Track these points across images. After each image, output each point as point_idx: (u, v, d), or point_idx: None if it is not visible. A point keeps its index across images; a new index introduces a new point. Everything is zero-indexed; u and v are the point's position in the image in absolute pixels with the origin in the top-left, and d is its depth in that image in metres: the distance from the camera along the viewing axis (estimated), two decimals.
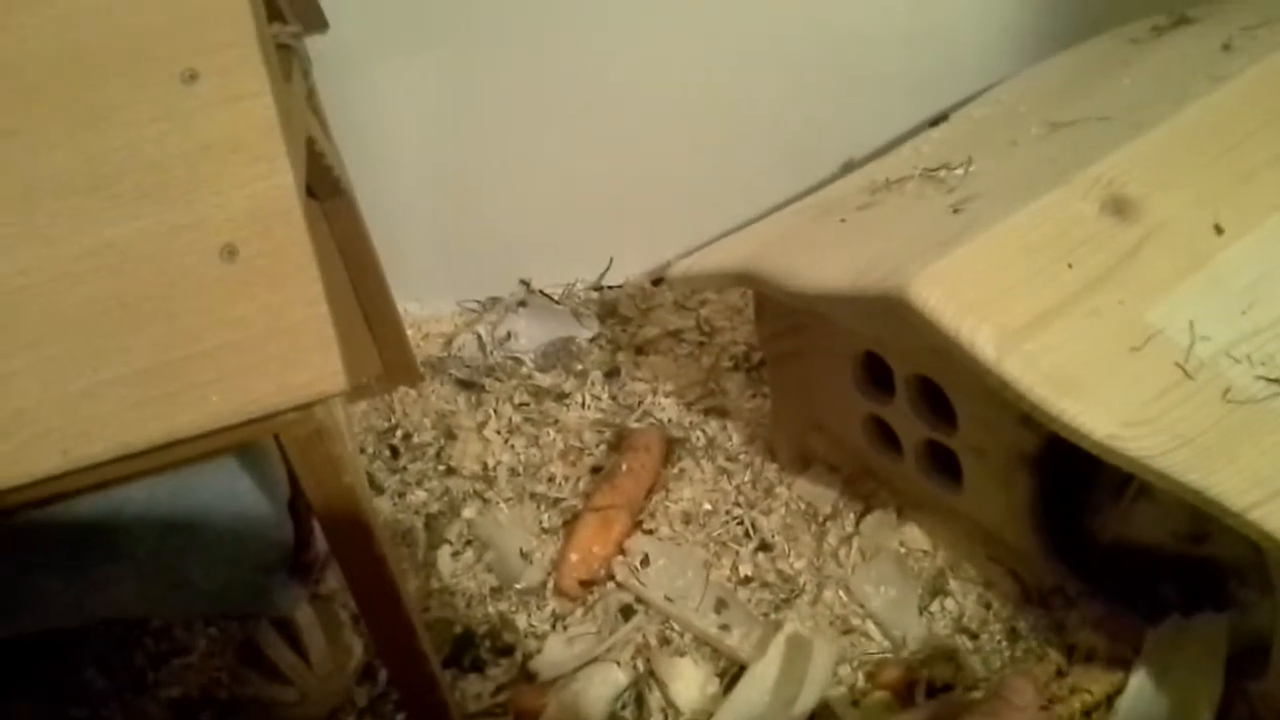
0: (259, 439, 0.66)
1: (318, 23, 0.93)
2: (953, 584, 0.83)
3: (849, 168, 1.09)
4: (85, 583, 0.71)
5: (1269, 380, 0.62)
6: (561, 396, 1.06)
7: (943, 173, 0.80)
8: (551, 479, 0.98)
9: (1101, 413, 0.60)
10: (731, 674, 0.81)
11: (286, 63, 0.81)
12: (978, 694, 0.74)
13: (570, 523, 0.93)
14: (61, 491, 0.58)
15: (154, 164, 0.60)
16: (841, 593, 0.85)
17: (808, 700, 0.77)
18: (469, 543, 0.94)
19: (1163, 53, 0.90)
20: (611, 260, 1.18)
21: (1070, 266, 0.66)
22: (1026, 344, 0.62)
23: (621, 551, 0.90)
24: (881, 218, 0.79)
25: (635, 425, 1.02)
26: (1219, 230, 0.69)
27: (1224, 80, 0.77)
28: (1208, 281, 0.66)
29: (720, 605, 0.85)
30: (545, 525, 0.94)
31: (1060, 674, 0.70)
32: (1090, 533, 0.76)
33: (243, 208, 0.58)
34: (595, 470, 0.98)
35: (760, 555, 0.88)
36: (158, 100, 0.61)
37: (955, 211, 0.73)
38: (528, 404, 1.06)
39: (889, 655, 0.80)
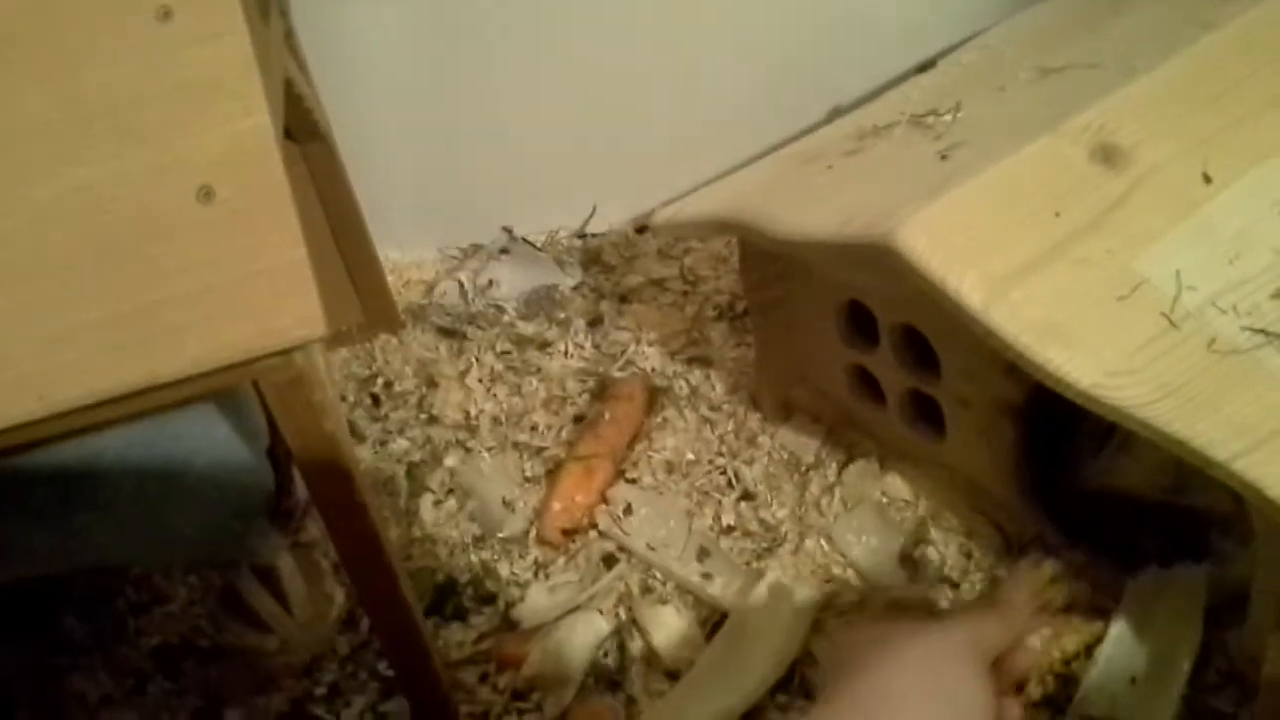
0: (238, 385, 0.65)
1: None
2: (934, 533, 0.83)
3: (836, 114, 1.08)
4: (64, 531, 0.71)
5: (1254, 331, 0.62)
6: (544, 345, 1.06)
7: (930, 119, 0.80)
8: (534, 428, 0.98)
9: (1086, 362, 0.60)
10: (713, 622, 0.81)
11: (264, 2, 0.79)
12: None
13: (553, 472, 0.93)
14: (38, 438, 0.57)
15: (128, 105, 0.58)
16: (823, 542, 0.85)
17: (789, 648, 0.77)
18: (451, 491, 0.94)
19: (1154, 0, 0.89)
20: (595, 208, 1.17)
21: (1058, 214, 0.66)
22: (1013, 292, 0.62)
23: (604, 500, 0.90)
24: (868, 164, 0.78)
25: (618, 374, 1.01)
26: (1207, 179, 0.68)
27: (1214, 27, 0.76)
28: (1195, 230, 0.66)
29: (702, 554, 0.85)
30: (528, 474, 0.94)
31: (1054, 580, 0.70)
32: (1072, 482, 0.76)
33: (219, 149, 0.57)
34: (578, 419, 0.98)
35: (743, 504, 0.88)
36: (131, 39, 0.59)
37: (943, 158, 0.72)
38: (510, 352, 1.05)
39: (869, 603, 0.81)
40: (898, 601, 0.80)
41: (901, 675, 0.56)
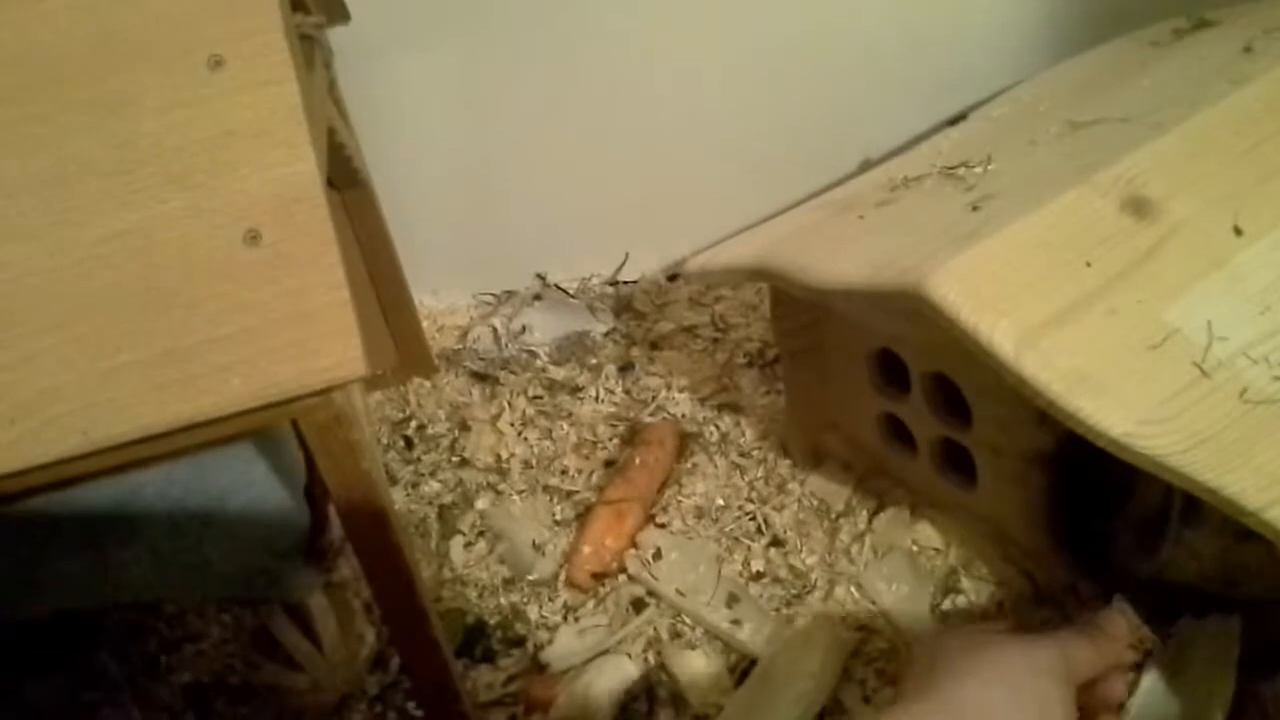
0: (277, 424, 0.66)
1: (340, 14, 0.93)
2: (965, 582, 0.83)
3: (867, 167, 1.09)
4: (101, 565, 0.72)
5: None
6: (575, 390, 1.07)
7: (961, 170, 0.80)
8: (564, 472, 0.99)
9: (1118, 410, 0.60)
10: (742, 668, 0.81)
11: (309, 53, 0.82)
12: None
13: (583, 515, 0.93)
14: (81, 473, 0.58)
15: (179, 149, 0.60)
16: (853, 589, 0.85)
17: (818, 696, 0.77)
18: (481, 534, 0.95)
19: (1183, 55, 0.90)
20: (627, 256, 1.19)
21: (1089, 265, 0.66)
22: (1044, 341, 0.62)
23: (634, 545, 0.90)
24: (900, 214, 0.79)
25: (649, 419, 1.02)
26: (1238, 231, 0.68)
27: (1244, 82, 0.77)
28: (1226, 282, 0.66)
29: (732, 600, 0.85)
30: (558, 517, 0.95)
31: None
32: (1119, 562, 0.75)
33: (266, 193, 0.59)
34: (608, 464, 0.99)
35: (772, 551, 0.89)
36: (183, 86, 0.61)
37: (974, 209, 0.73)
38: (541, 397, 1.06)
39: (900, 652, 0.80)
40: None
41: (991, 685, 0.58)
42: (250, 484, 0.72)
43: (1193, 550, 0.70)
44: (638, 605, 0.86)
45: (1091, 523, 0.76)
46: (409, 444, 1.04)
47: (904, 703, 0.59)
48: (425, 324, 1.13)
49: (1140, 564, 0.74)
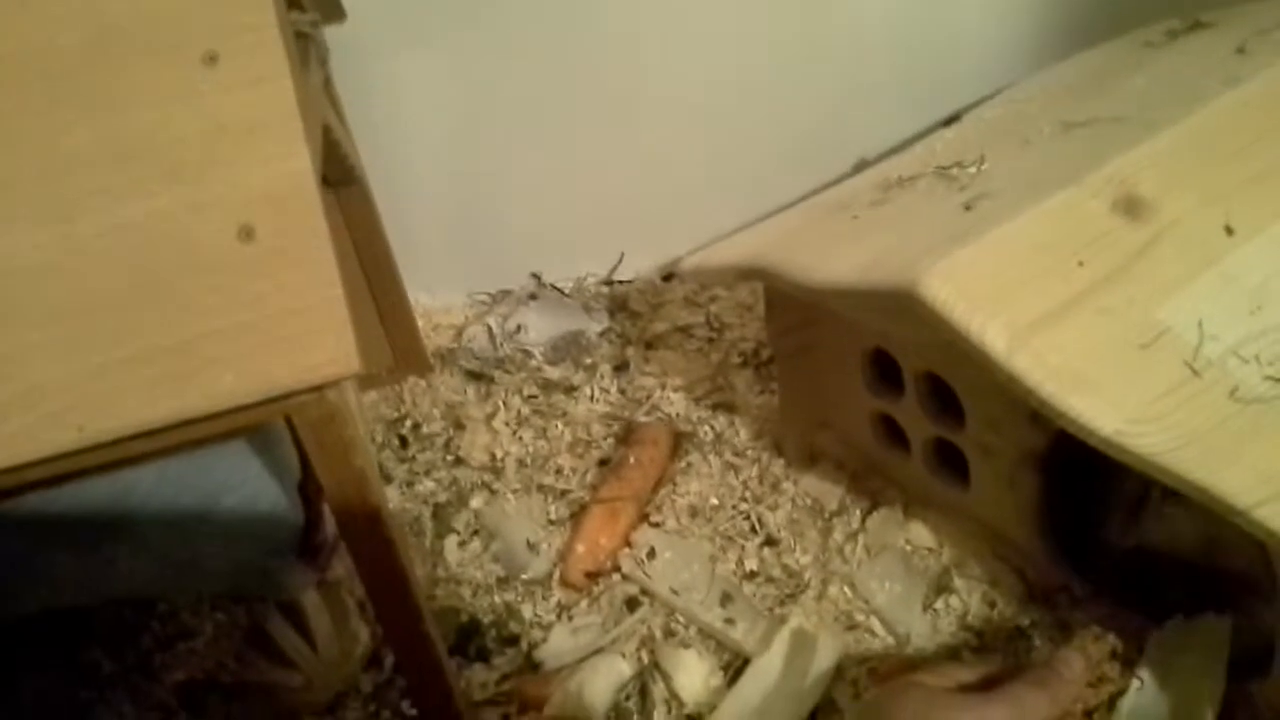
0: (271, 421, 0.66)
1: (335, 12, 0.93)
2: (958, 582, 0.83)
3: (861, 167, 1.10)
4: (95, 562, 0.72)
5: (1276, 380, 0.62)
6: (570, 389, 1.07)
7: (955, 171, 0.81)
8: (559, 471, 0.99)
9: (1109, 409, 0.60)
10: (735, 667, 0.81)
11: (304, 51, 0.82)
12: None
13: (577, 514, 0.94)
14: (75, 469, 0.58)
15: (173, 144, 0.60)
16: (846, 589, 0.85)
17: (811, 695, 0.77)
18: (476, 533, 0.95)
19: (1177, 56, 0.90)
20: (622, 255, 1.19)
21: (1081, 264, 0.66)
22: (1036, 340, 0.62)
23: (628, 544, 0.90)
24: (893, 214, 0.79)
25: (643, 419, 1.02)
26: (1230, 231, 0.69)
27: (1237, 83, 0.78)
28: (1218, 281, 0.66)
29: (725, 599, 0.85)
30: (552, 516, 0.95)
31: (1114, 655, 0.70)
32: (1100, 538, 0.76)
33: (260, 189, 0.59)
34: (603, 463, 0.99)
35: (766, 550, 0.89)
36: (178, 81, 0.61)
37: (967, 209, 0.73)
38: (536, 396, 1.07)
39: (892, 651, 0.80)
40: (925, 662, 0.79)
41: None
42: (244, 481, 0.72)
43: (1172, 522, 0.70)
44: (631, 604, 0.87)
45: (1080, 512, 0.76)
46: (404, 442, 1.04)
47: None
48: (420, 322, 1.13)
49: (1122, 536, 0.74)
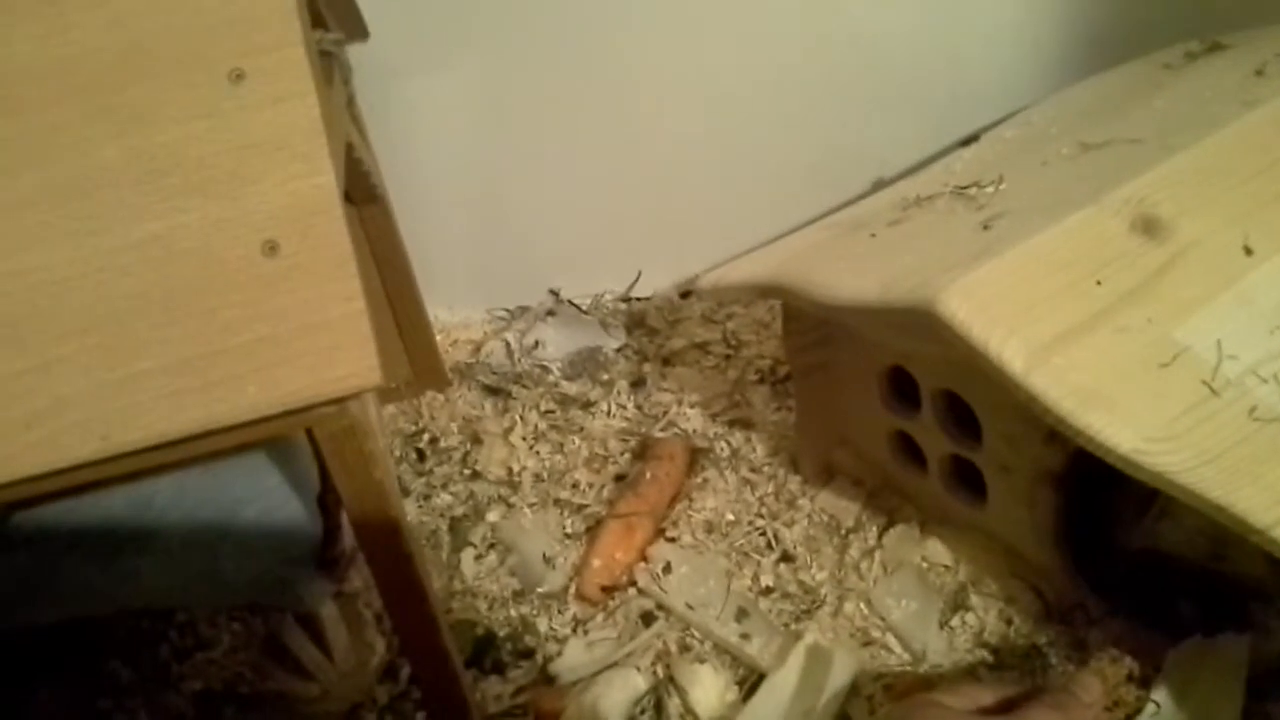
0: (293, 433, 0.67)
1: (359, 32, 0.95)
2: (974, 599, 0.83)
3: (879, 186, 1.10)
4: (115, 572, 0.72)
5: None
6: (587, 405, 1.07)
7: (973, 190, 0.81)
8: (575, 485, 0.99)
9: (1127, 428, 0.60)
10: (751, 683, 0.81)
11: (328, 69, 0.83)
12: None
13: (593, 529, 0.94)
14: (98, 479, 0.59)
15: (199, 161, 0.61)
16: (862, 605, 0.85)
17: (826, 711, 0.77)
18: (492, 546, 0.95)
19: (1195, 78, 0.90)
20: (640, 273, 1.19)
21: (1099, 283, 0.66)
22: (1054, 358, 0.63)
23: (644, 558, 0.90)
24: (911, 233, 0.80)
25: (660, 434, 1.02)
26: (1248, 251, 0.69)
27: (1256, 105, 0.78)
28: (1236, 301, 0.66)
29: (741, 614, 0.85)
30: (568, 531, 0.95)
31: (1131, 678, 0.69)
32: (1113, 545, 0.76)
33: (284, 205, 0.60)
34: (619, 478, 0.99)
35: (782, 566, 0.89)
36: (204, 99, 0.62)
37: (985, 228, 0.73)
38: (553, 411, 1.07)
39: (908, 668, 0.80)
40: (942, 680, 0.79)
41: None
42: (264, 493, 0.73)
43: (1179, 521, 0.70)
44: (647, 619, 0.87)
45: (1095, 526, 0.76)
46: (421, 456, 1.05)
47: None
48: (439, 338, 1.14)
49: (1132, 538, 0.74)
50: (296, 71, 0.63)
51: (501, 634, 0.87)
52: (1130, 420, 0.61)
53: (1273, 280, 0.68)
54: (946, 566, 0.86)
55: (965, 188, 0.82)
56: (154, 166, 0.61)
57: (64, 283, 0.59)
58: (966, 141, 1.01)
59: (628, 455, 1.01)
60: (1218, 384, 0.63)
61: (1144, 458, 0.59)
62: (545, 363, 1.13)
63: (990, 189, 0.81)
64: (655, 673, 0.83)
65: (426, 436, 1.07)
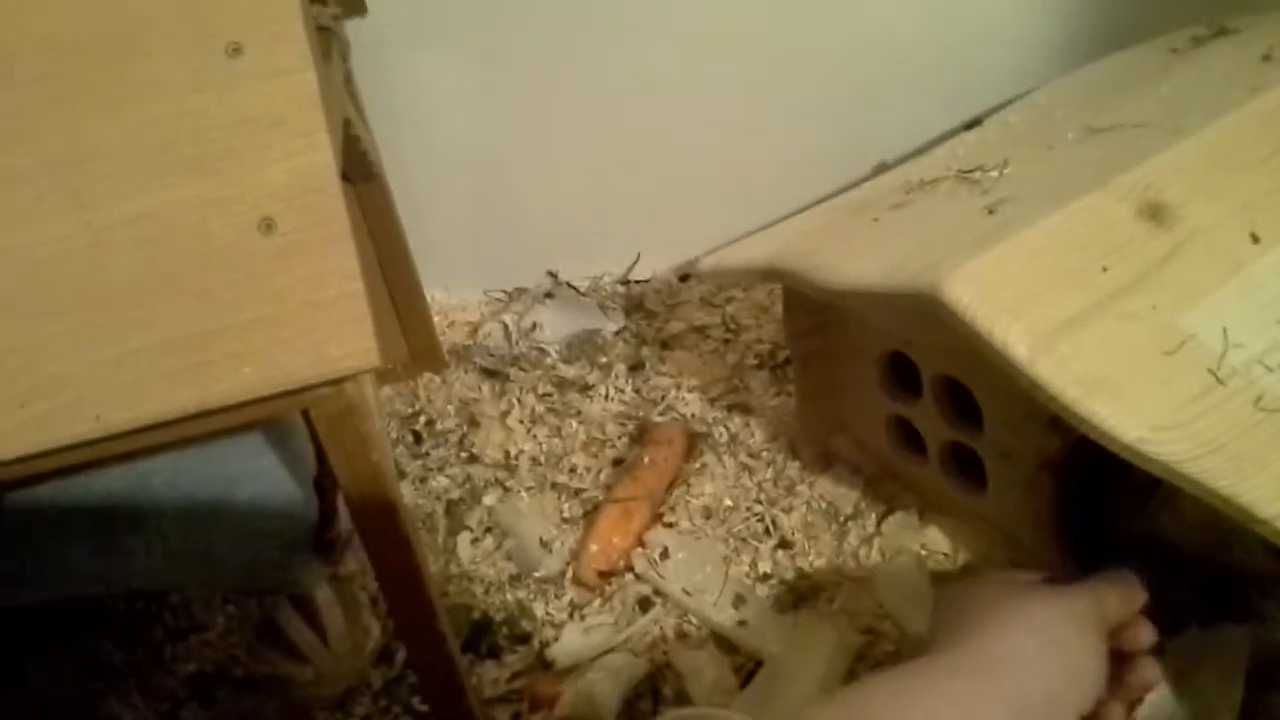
0: (288, 414, 0.66)
1: (357, 7, 0.93)
2: None
3: (881, 170, 1.09)
4: (110, 553, 0.71)
5: None
6: (585, 388, 1.07)
7: (977, 174, 0.80)
8: (573, 469, 0.99)
9: (1132, 416, 0.60)
10: (748, 669, 0.81)
11: (325, 45, 0.82)
12: None
13: (590, 513, 0.93)
14: (92, 459, 0.58)
15: (195, 136, 0.60)
16: (861, 593, 0.84)
17: (823, 697, 0.77)
18: (489, 530, 0.95)
19: (1202, 62, 0.89)
20: (639, 255, 1.19)
21: (1105, 270, 0.66)
22: (1059, 345, 0.62)
23: (641, 544, 0.90)
24: (915, 217, 0.79)
25: (658, 419, 1.02)
26: (1255, 239, 0.68)
27: (1263, 90, 0.77)
28: (1243, 289, 0.66)
29: (738, 600, 0.85)
30: (565, 515, 0.95)
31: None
32: (1113, 533, 0.75)
33: (281, 182, 0.59)
34: (617, 462, 0.98)
35: (780, 552, 0.88)
36: (201, 73, 0.61)
37: (990, 212, 0.72)
38: (551, 394, 1.06)
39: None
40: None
41: (1024, 635, 0.56)
42: (259, 475, 0.72)
43: (1181, 510, 0.69)
44: (644, 604, 0.86)
45: (1094, 513, 0.76)
46: (418, 439, 1.04)
47: (933, 655, 0.57)
48: (436, 319, 1.13)
49: (1133, 524, 0.73)
50: (295, 46, 0.62)
51: (498, 618, 0.87)
52: (1135, 409, 0.60)
53: (1279, 268, 0.67)
54: (945, 554, 0.85)
55: (969, 172, 0.82)
56: (149, 142, 0.60)
57: (57, 259, 0.58)
58: (971, 125, 1.00)
59: (626, 439, 1.01)
60: (1223, 373, 0.62)
61: (1149, 447, 0.59)
62: (543, 345, 1.12)
63: (995, 173, 0.80)
64: (652, 658, 0.82)
65: (423, 419, 1.06)
